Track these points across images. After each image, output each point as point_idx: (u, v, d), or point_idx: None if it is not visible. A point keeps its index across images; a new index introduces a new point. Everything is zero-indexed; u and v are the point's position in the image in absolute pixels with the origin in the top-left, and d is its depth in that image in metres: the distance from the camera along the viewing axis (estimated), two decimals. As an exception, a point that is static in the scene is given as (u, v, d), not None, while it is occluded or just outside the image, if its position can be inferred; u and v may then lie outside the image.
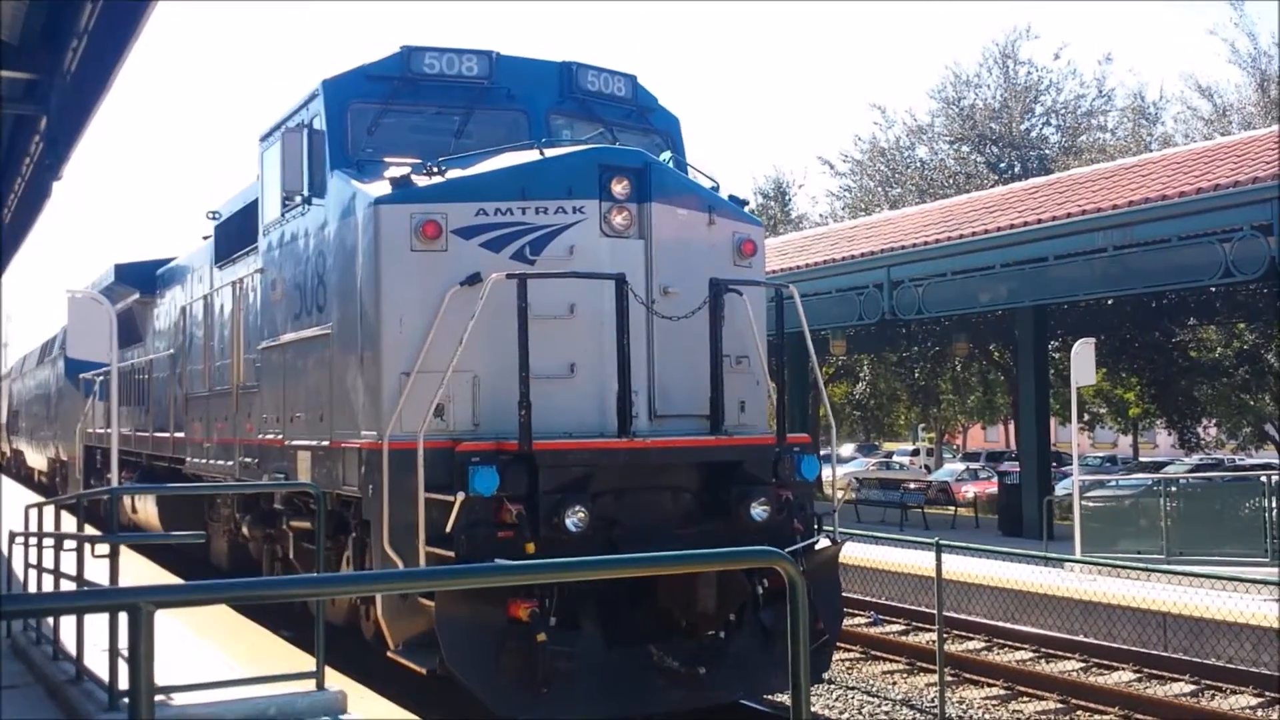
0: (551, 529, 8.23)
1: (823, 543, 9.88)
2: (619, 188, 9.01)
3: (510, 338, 8.40)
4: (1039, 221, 19.03)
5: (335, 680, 7.66)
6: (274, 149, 10.68)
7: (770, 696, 10.51)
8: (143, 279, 17.83)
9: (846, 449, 54.99)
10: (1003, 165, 40.47)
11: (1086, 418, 46.97)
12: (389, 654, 8.60)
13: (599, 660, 8.35)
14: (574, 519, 8.22)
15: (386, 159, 9.62)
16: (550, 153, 9.25)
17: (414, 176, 9.05)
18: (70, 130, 8.59)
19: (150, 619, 2.56)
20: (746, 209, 10.98)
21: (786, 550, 9.08)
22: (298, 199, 10.26)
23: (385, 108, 9.88)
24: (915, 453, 55.36)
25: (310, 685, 7.07)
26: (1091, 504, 19.46)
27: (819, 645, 9.21)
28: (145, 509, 15.90)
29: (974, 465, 39.34)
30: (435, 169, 9.08)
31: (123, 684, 6.58)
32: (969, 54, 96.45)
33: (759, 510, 8.97)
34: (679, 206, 9.47)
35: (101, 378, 18.34)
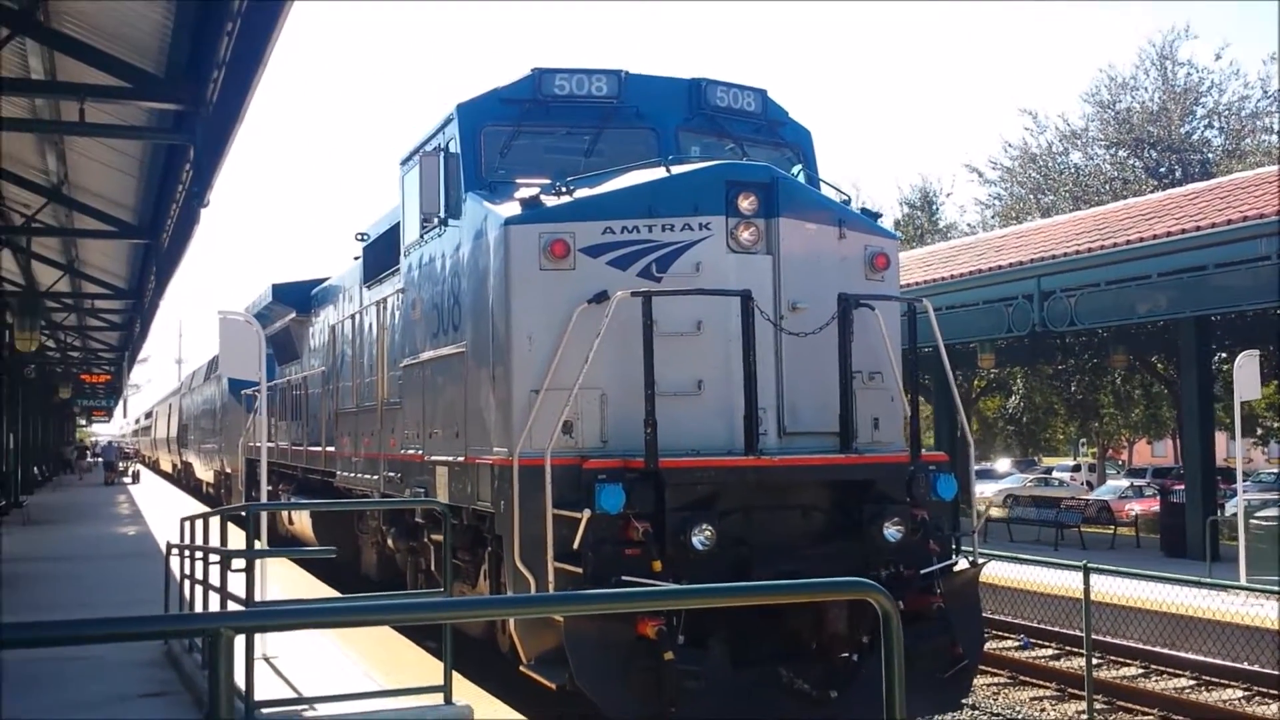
0: (678, 547, 8.18)
1: (961, 564, 9.59)
2: (746, 203, 8.94)
3: (637, 355, 8.40)
4: (1198, 229, 18.19)
5: (465, 693, 7.77)
6: (413, 172, 10.98)
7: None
8: (298, 298, 18.51)
9: (1002, 464, 53.45)
10: (1162, 170, 38.90)
11: (1260, 432, 44.59)
12: (521, 668, 8.68)
13: (727, 680, 8.25)
14: (700, 537, 8.15)
15: (518, 180, 9.75)
16: (676, 170, 9.24)
17: (543, 196, 9.15)
18: (212, 159, 8.95)
19: (230, 644, 2.63)
20: (882, 221, 10.77)
21: (921, 572, 8.90)
22: (435, 220, 10.48)
23: (517, 129, 10.03)
24: (1076, 468, 53.40)
25: (439, 699, 7.20)
26: (1261, 524, 18.44)
27: (957, 671, 8.93)
28: (300, 520, 16.49)
29: (1139, 482, 37.73)
30: (564, 189, 9.17)
31: (259, 694, 6.82)
32: (1124, 56, 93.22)
33: (892, 530, 8.75)
34: (807, 221, 9.34)
35: (264, 393, 19.07)
